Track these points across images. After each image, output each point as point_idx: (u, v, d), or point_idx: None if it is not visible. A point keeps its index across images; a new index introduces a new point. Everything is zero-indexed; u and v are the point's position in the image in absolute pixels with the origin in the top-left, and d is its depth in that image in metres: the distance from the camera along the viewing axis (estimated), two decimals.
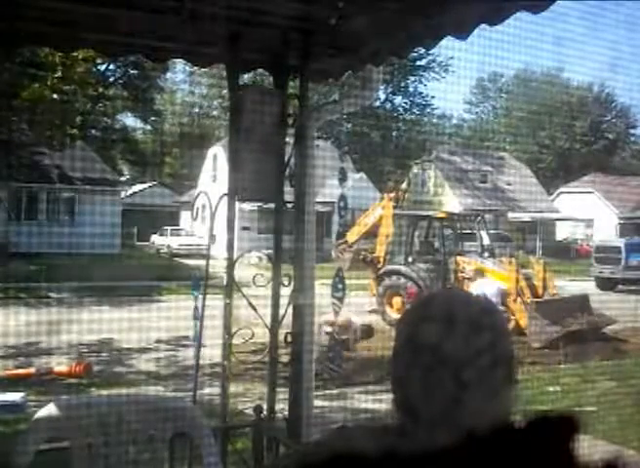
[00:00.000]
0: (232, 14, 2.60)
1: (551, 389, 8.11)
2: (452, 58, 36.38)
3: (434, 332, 0.99)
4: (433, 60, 41.17)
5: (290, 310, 3.06)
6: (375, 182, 30.77)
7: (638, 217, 27.57)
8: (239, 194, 3.09)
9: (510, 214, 32.54)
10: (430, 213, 18.13)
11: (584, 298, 13.11)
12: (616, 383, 8.17)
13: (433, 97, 45.00)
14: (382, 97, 40.56)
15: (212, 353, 4.24)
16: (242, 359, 3.31)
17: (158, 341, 11.07)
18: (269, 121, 3.02)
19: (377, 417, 6.69)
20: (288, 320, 3.08)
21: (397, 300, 14.28)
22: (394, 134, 42.88)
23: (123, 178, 35.50)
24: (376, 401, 7.43)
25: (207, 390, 4.81)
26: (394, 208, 15.46)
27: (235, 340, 3.08)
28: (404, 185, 22.45)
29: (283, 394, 3.13)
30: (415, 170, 32.66)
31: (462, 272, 14.19)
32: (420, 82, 44.08)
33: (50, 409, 2.52)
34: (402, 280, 14.45)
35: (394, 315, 13.78)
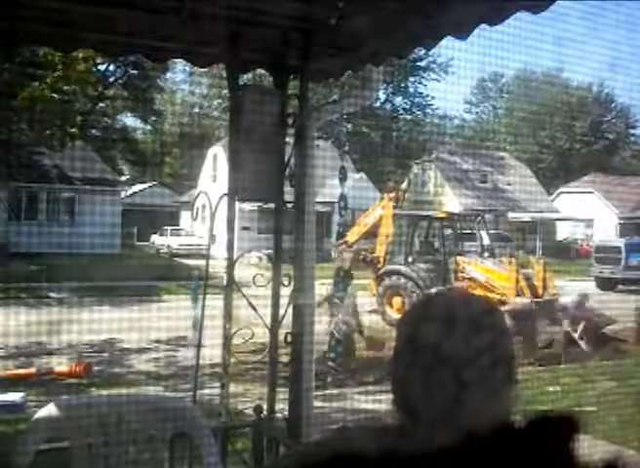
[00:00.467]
0: (232, 14, 2.60)
1: (551, 389, 8.11)
2: (452, 58, 36.41)
3: (434, 333, 0.99)
4: (433, 61, 41.20)
5: (290, 310, 3.06)
6: (375, 182, 30.76)
7: (638, 217, 27.55)
8: (239, 194, 3.09)
9: (510, 214, 32.54)
10: (430, 213, 18.14)
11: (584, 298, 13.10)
12: (616, 383, 8.17)
13: (433, 97, 45.04)
14: (383, 97, 40.59)
15: (212, 353, 4.24)
16: (242, 359, 3.31)
17: (158, 341, 11.07)
18: (269, 121, 3.02)
19: (377, 417, 6.70)
20: (288, 320, 3.08)
21: (397, 300, 14.28)
22: (394, 134, 42.88)
23: (123, 178, 35.50)
24: (376, 401, 7.43)
25: (207, 390, 4.80)
26: (394, 208, 15.46)
27: (235, 340, 3.07)
28: (404, 185, 22.47)
29: (283, 394, 3.13)
30: (415, 170, 32.67)
31: (462, 272, 14.20)
32: (420, 82, 44.12)
33: (50, 409, 2.52)
34: (402, 280, 14.46)
35: (394, 315, 13.78)
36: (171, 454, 2.63)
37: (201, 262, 4.66)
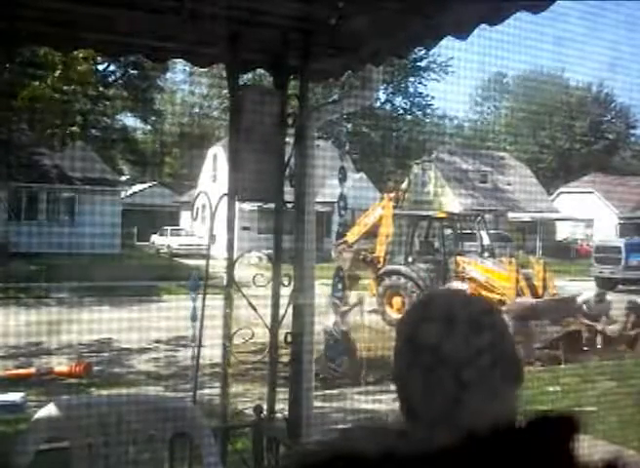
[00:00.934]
0: (232, 14, 2.60)
1: (551, 389, 8.11)
2: (452, 58, 36.39)
3: (434, 333, 0.99)
4: (433, 61, 41.18)
5: (290, 310, 3.06)
6: (375, 182, 30.76)
7: (638, 217, 27.56)
8: (239, 194, 3.09)
9: (510, 214, 32.53)
10: (430, 213, 18.14)
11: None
12: (616, 383, 8.17)
13: (433, 97, 44.99)
14: (383, 97, 40.58)
15: (212, 353, 4.24)
16: (242, 359, 3.31)
17: (158, 341, 11.07)
18: (269, 121, 3.02)
19: (377, 417, 6.70)
20: (288, 320, 3.08)
21: (397, 300, 14.28)
22: (394, 134, 42.87)
23: (123, 178, 35.47)
24: (376, 401, 7.43)
25: (207, 390, 4.80)
26: (394, 208, 15.46)
27: (235, 340, 3.07)
28: (404, 185, 22.46)
29: (283, 394, 3.13)
30: (415, 170, 32.66)
31: (462, 272, 14.20)
32: (420, 82, 44.10)
33: (50, 409, 2.52)
34: (402, 280, 14.45)
35: (394, 315, 13.78)
36: (171, 454, 2.63)
37: (201, 262, 4.65)
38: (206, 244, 3.57)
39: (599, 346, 11.14)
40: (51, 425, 2.49)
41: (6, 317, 11.18)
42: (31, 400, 7.14)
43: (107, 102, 31.85)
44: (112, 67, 31.99)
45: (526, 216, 32.61)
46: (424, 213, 18.60)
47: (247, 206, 4.98)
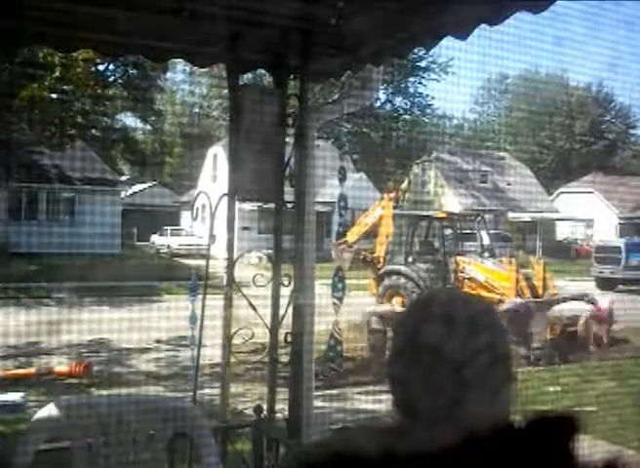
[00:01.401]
0: (232, 14, 2.60)
1: (551, 389, 8.11)
2: (452, 58, 36.33)
3: (433, 333, 0.99)
4: (433, 61, 41.13)
5: (290, 310, 3.06)
6: (375, 182, 30.74)
7: (638, 217, 27.58)
8: (239, 194, 3.09)
9: (510, 214, 32.52)
10: (430, 213, 18.14)
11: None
12: (616, 383, 8.17)
13: (433, 97, 44.94)
14: (383, 97, 40.54)
15: (212, 353, 4.24)
16: (242, 359, 3.31)
17: (158, 341, 11.07)
18: (269, 121, 3.02)
19: (377, 417, 6.70)
20: (288, 320, 3.07)
21: (397, 300, 14.26)
22: (394, 134, 42.85)
23: (123, 178, 35.44)
24: (376, 401, 7.43)
25: (207, 390, 4.80)
26: (394, 208, 15.45)
27: (235, 340, 3.07)
28: (404, 185, 22.47)
29: (283, 394, 3.12)
30: (415, 170, 32.66)
31: (462, 272, 14.19)
32: (420, 83, 44.04)
33: (50, 410, 2.52)
34: (402, 280, 14.44)
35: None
36: (171, 454, 2.63)
37: (201, 262, 4.65)
38: (206, 244, 3.56)
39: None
40: (51, 425, 2.49)
41: (6, 317, 11.18)
42: (31, 400, 7.15)
43: (107, 102, 31.84)
44: (112, 67, 31.96)
45: (526, 216, 32.60)
46: (424, 213, 18.60)
47: (247, 206, 4.99)
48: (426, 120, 45.39)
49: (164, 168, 45.47)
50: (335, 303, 8.78)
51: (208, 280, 3.52)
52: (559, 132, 47.29)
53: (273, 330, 3.08)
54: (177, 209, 37.12)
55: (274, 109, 3.03)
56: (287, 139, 3.13)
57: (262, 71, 3.44)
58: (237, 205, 3.11)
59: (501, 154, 40.04)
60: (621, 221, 29.13)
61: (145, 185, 39.34)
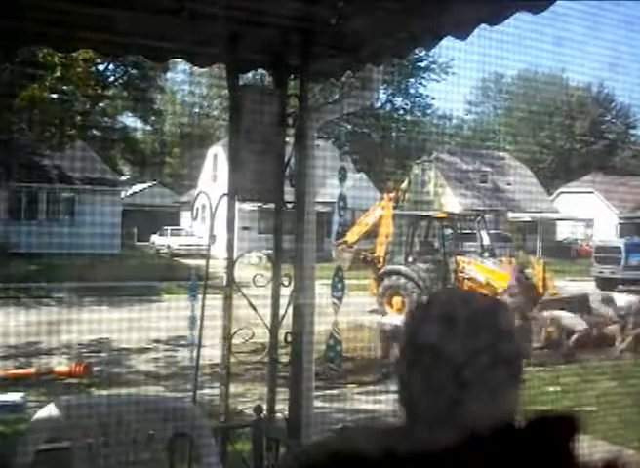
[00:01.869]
0: (232, 14, 2.59)
1: (551, 389, 8.10)
2: (452, 59, 36.34)
3: (437, 333, 0.99)
4: (434, 62, 41.12)
5: (290, 310, 3.06)
6: (375, 182, 30.74)
7: (638, 217, 27.57)
8: (239, 194, 3.09)
9: (510, 214, 32.53)
10: (430, 213, 18.15)
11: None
12: (616, 383, 8.17)
13: (433, 97, 44.95)
14: (383, 97, 40.53)
15: (211, 353, 4.24)
16: (242, 359, 3.31)
17: (158, 341, 11.07)
18: (269, 121, 3.02)
19: (377, 417, 6.70)
20: (288, 320, 3.07)
21: (397, 300, 14.28)
22: (394, 134, 42.85)
23: (123, 178, 35.46)
24: (376, 401, 7.43)
25: (207, 390, 4.80)
26: (394, 208, 15.46)
27: (235, 340, 3.07)
28: (404, 185, 22.48)
29: (283, 394, 3.12)
30: (415, 170, 32.67)
31: (462, 272, 14.20)
32: (421, 83, 44.04)
33: (50, 410, 2.52)
34: (402, 280, 14.45)
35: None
36: (171, 454, 2.63)
37: (201, 262, 4.65)
38: (206, 244, 3.56)
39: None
40: (51, 425, 2.49)
41: (6, 317, 11.18)
42: (31, 400, 7.14)
43: (107, 102, 31.85)
44: (112, 67, 31.95)
45: (526, 216, 32.60)
46: (424, 213, 18.60)
47: (247, 206, 4.98)
48: (426, 120, 45.39)
49: (164, 168, 45.46)
50: (334, 303, 8.77)
51: (208, 280, 3.52)
52: (559, 132, 47.30)
53: (273, 330, 3.08)
54: (177, 209, 37.11)
55: (274, 109, 3.03)
56: (287, 139, 3.13)
57: (262, 71, 3.44)
58: (237, 205, 3.11)
59: (501, 154, 40.05)
60: (621, 221, 29.12)
61: (145, 185, 39.33)
